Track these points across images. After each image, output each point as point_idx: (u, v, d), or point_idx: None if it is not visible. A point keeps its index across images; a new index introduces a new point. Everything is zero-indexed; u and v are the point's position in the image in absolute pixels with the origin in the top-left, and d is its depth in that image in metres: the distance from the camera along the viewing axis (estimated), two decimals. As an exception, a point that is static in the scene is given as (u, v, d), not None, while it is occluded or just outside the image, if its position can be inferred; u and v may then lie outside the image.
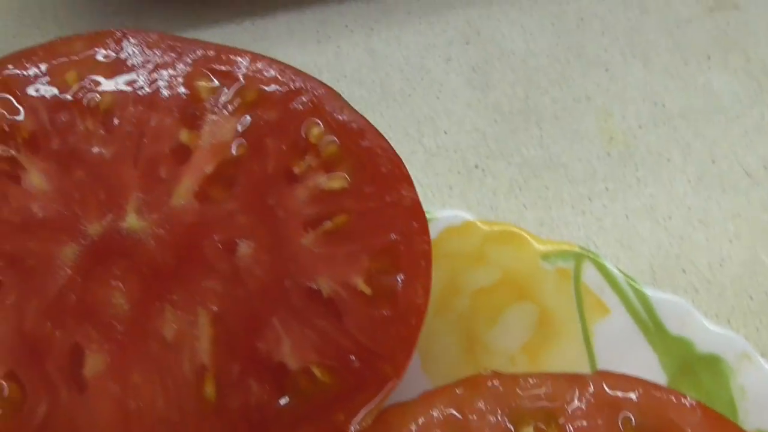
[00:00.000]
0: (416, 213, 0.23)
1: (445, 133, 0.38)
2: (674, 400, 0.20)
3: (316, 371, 0.22)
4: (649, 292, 0.27)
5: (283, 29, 0.43)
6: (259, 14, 0.44)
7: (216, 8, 0.44)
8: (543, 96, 0.38)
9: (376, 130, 0.24)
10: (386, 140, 0.24)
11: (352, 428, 0.21)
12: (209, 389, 0.23)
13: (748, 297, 0.32)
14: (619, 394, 0.21)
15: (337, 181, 0.23)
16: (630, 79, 0.39)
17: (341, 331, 0.22)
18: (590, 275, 0.28)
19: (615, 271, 0.28)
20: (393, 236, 0.23)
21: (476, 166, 0.37)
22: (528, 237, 0.28)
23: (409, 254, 0.23)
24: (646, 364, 0.26)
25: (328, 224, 0.23)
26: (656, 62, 0.39)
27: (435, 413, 0.22)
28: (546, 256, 0.28)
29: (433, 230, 0.28)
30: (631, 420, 0.20)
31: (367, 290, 0.23)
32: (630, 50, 0.40)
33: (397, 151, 0.25)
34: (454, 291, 0.29)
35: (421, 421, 0.22)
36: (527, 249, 0.28)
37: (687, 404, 0.20)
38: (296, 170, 0.24)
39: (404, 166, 0.24)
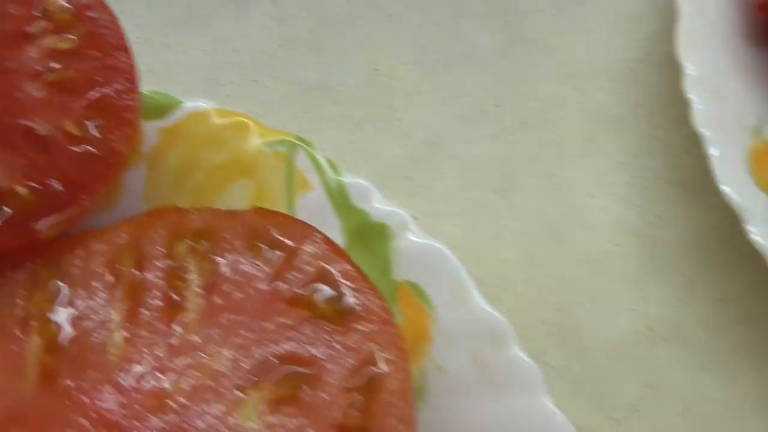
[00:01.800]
0: (129, 76, 0.28)
1: (234, 51, 0.43)
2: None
3: (21, 191, 0.27)
4: (347, 178, 0.33)
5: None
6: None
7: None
8: (328, 30, 0.44)
9: (106, 6, 0.29)
10: (114, 15, 0.29)
11: (39, 227, 0.26)
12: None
13: (454, 202, 0.39)
14: (260, 223, 0.26)
15: (65, 42, 0.28)
16: (406, 24, 0.45)
17: (49, 162, 0.27)
18: (301, 159, 0.33)
19: (321, 158, 0.33)
20: (106, 91, 0.28)
21: (254, 81, 0.42)
22: (256, 126, 0.34)
23: (116, 108, 0.28)
24: (332, 229, 0.32)
25: (51, 76, 0.28)
26: (431, 15, 0.45)
27: (120, 237, 0.27)
28: (269, 143, 0.34)
29: (179, 114, 0.34)
30: (264, 243, 0.26)
31: (77, 132, 0.27)
32: (413, 3, 0.46)
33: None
34: (192, 167, 0.34)
35: (106, 239, 0.27)
36: (254, 135, 0.34)
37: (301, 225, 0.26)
38: (30, 30, 0.28)
39: (126, 39, 0.28)
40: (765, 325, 0.37)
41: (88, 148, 0.27)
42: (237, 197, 0.34)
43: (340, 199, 0.33)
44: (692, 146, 0.42)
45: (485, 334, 0.30)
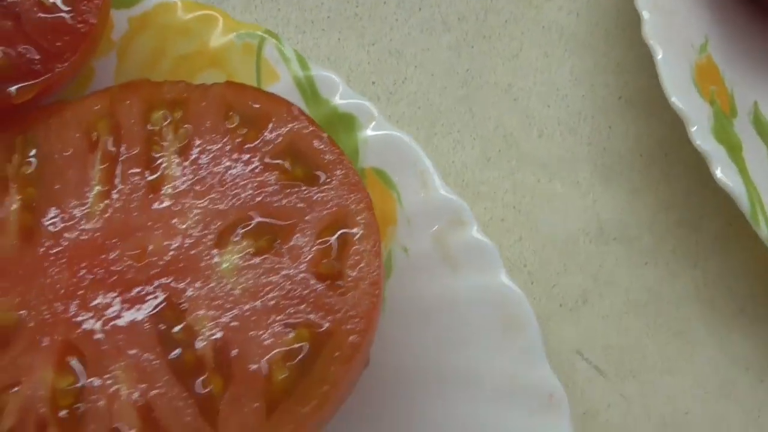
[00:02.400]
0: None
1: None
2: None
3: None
4: (314, 70, 0.34)
5: None
6: None
7: None
8: (293, -59, 0.44)
9: None
10: None
11: (12, 91, 0.26)
12: None
13: (416, 107, 0.40)
14: (231, 95, 0.27)
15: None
16: (370, -62, 0.45)
17: (20, 29, 0.27)
18: (269, 51, 0.34)
19: (289, 50, 0.34)
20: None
21: (221, -13, 0.42)
22: (224, 18, 0.34)
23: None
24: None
25: (21, -53, 0.28)
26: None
27: (95, 106, 0.27)
28: (238, 35, 0.34)
29: (148, 4, 0.34)
30: (236, 113, 0.27)
31: (48, 1, 0.27)
32: None
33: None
34: (161, 55, 0.34)
35: (81, 108, 0.27)
36: (223, 27, 0.34)
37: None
38: None
39: None
40: (703, 228, 0.40)
41: (59, 15, 0.27)
42: (206, 86, 0.35)
43: (308, 89, 0.34)
44: (643, 66, 0.44)
45: (446, 216, 0.32)
